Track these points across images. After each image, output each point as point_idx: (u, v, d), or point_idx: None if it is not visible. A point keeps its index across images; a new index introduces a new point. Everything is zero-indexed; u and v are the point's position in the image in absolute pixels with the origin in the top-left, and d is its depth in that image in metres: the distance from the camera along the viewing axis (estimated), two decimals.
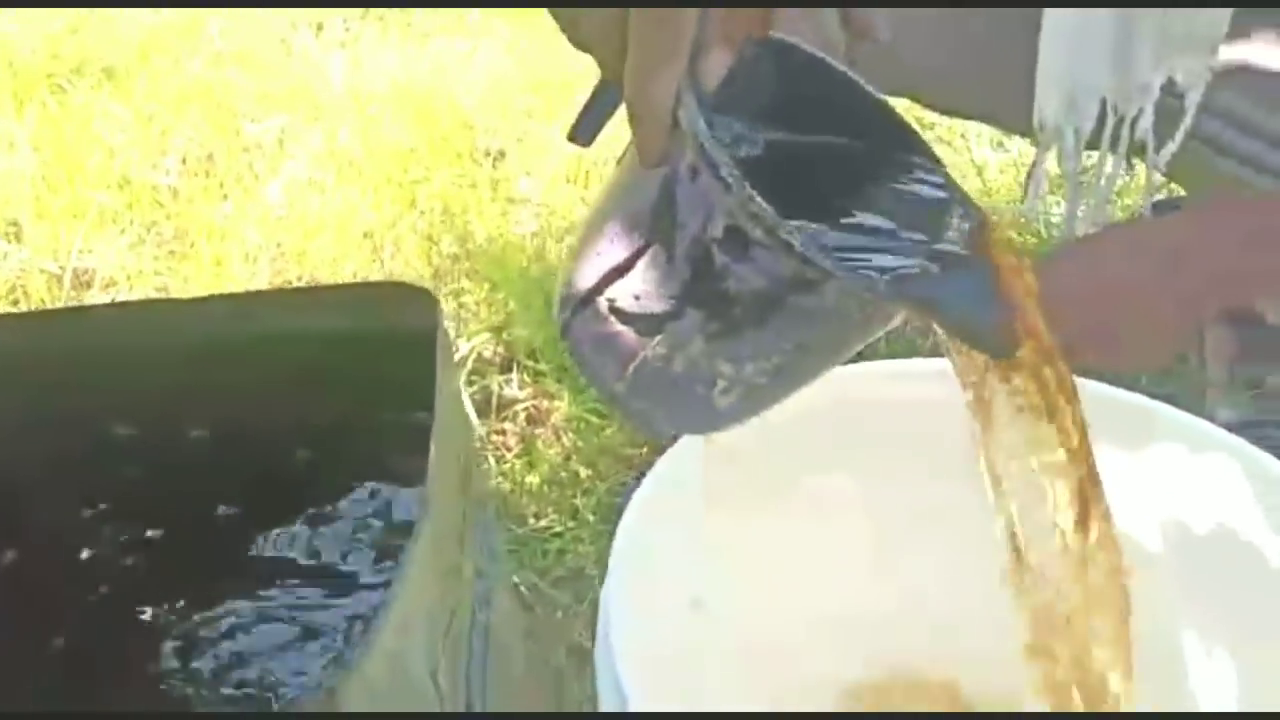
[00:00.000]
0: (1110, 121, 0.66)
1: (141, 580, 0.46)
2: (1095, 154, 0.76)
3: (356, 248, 1.20)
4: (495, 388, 1.01)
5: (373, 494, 0.48)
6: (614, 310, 0.41)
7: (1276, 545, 0.48)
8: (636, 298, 0.40)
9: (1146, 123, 0.65)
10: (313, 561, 0.48)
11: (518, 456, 0.95)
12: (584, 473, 0.93)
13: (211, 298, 0.54)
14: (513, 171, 1.32)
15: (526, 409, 1.00)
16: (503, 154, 1.36)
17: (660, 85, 0.37)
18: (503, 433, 0.98)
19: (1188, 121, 0.64)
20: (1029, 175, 0.74)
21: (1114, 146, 0.67)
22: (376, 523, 0.48)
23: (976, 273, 0.40)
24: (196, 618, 0.46)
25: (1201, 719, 0.47)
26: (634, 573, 0.48)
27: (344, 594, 0.46)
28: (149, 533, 0.47)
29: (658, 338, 0.41)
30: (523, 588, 0.83)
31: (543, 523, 0.89)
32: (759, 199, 0.35)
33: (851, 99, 0.42)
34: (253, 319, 0.54)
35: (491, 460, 0.95)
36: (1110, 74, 0.68)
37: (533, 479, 0.93)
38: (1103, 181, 0.68)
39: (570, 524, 0.88)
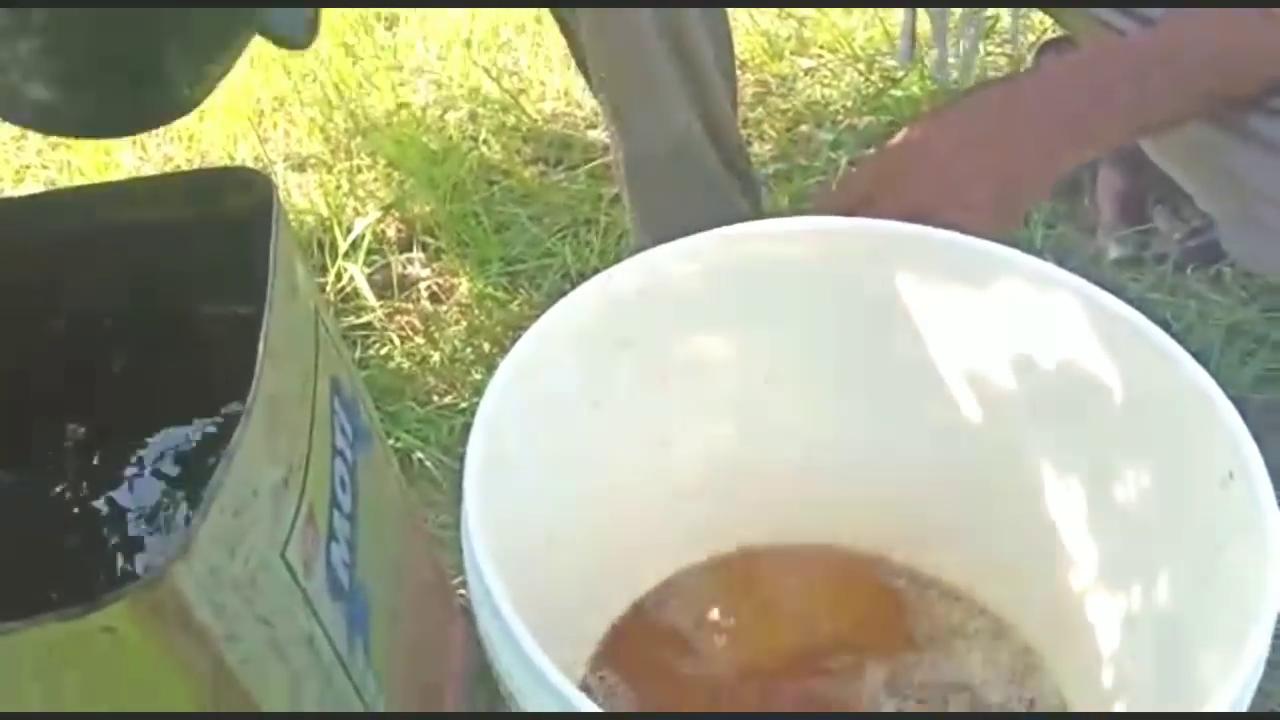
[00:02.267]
0: None
1: None
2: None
3: (248, 128, 1.16)
4: (396, 267, 1.00)
5: (207, 384, 0.47)
6: None
7: (1115, 374, 0.50)
8: None
9: None
10: (155, 457, 0.48)
11: (421, 335, 0.95)
12: (488, 348, 0.93)
13: (53, 192, 0.52)
14: (408, 38, 1.27)
15: (429, 287, 0.99)
16: (396, 18, 1.30)
17: None
18: (405, 312, 0.97)
19: None
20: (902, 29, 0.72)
21: None
22: (211, 415, 0.48)
23: None
24: (34, 517, 0.46)
25: (1201, 719, 0.49)
26: (497, 439, 0.48)
27: (184, 489, 0.47)
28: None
29: None
30: (429, 463, 0.84)
31: (448, 399, 0.89)
32: None
33: None
34: (93, 212, 0.52)
35: (395, 339, 0.95)
36: None
37: (436, 357, 0.92)
38: (969, 26, 0.67)
39: (474, 400, 0.88)
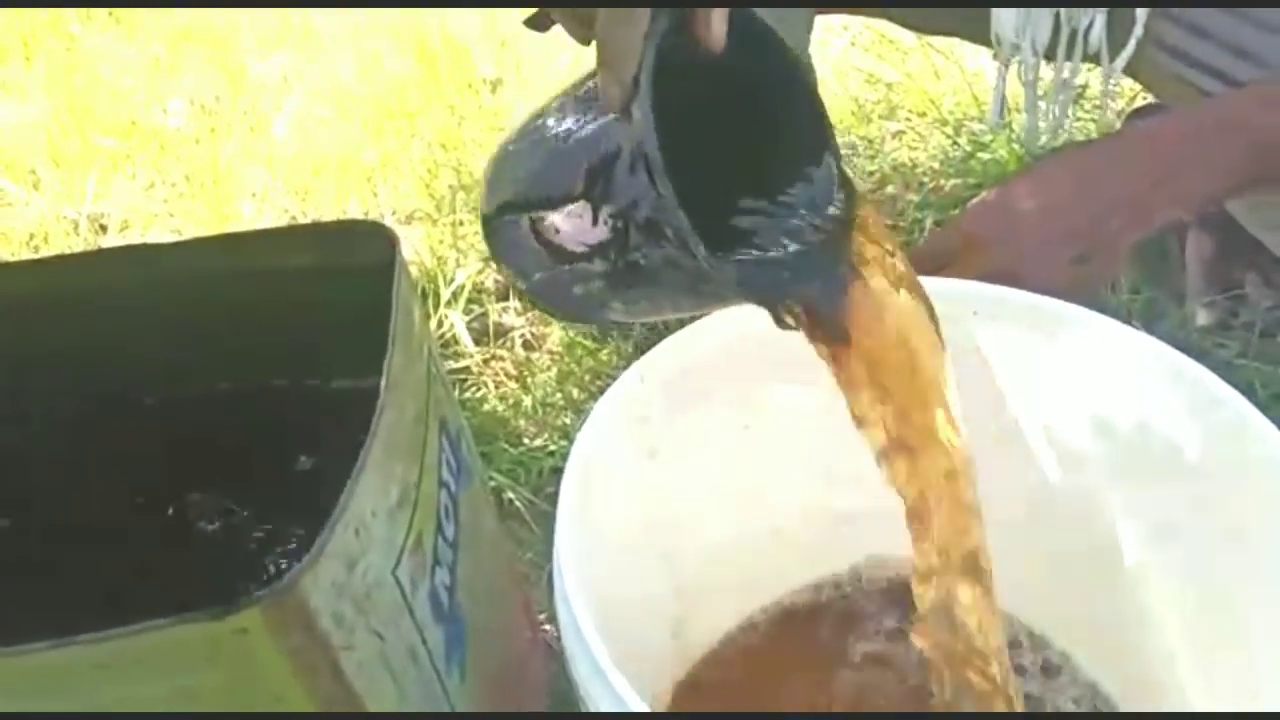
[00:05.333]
0: (1064, 33, 0.67)
1: (136, 503, 0.50)
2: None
3: (359, 184, 1.23)
4: (493, 315, 1.05)
5: (336, 417, 0.51)
6: (535, 230, 0.46)
7: (1195, 437, 0.51)
8: (557, 231, 0.45)
9: (1099, 32, 0.65)
10: (276, 483, 0.52)
11: (514, 380, 0.99)
12: (577, 394, 0.97)
13: (199, 240, 0.58)
14: (510, 100, 1.34)
15: (523, 335, 1.04)
16: (500, 82, 1.37)
17: (624, 39, 0.39)
18: (500, 358, 1.02)
19: (1138, 30, 0.64)
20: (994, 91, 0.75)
21: (1069, 57, 0.68)
22: (333, 449, 0.52)
23: (826, 267, 0.46)
24: (166, 534, 0.50)
25: (1202, 719, 0.50)
26: (585, 493, 0.51)
27: (308, 515, 0.51)
28: (141, 451, 0.51)
29: (566, 267, 0.45)
30: (519, 503, 0.88)
31: (538, 442, 0.93)
32: (684, 218, 0.40)
33: (783, 70, 0.47)
34: (234, 257, 0.57)
35: (490, 384, 0.99)
36: None
37: (528, 401, 0.96)
38: (1059, 94, 0.69)
39: (563, 443, 0.92)
